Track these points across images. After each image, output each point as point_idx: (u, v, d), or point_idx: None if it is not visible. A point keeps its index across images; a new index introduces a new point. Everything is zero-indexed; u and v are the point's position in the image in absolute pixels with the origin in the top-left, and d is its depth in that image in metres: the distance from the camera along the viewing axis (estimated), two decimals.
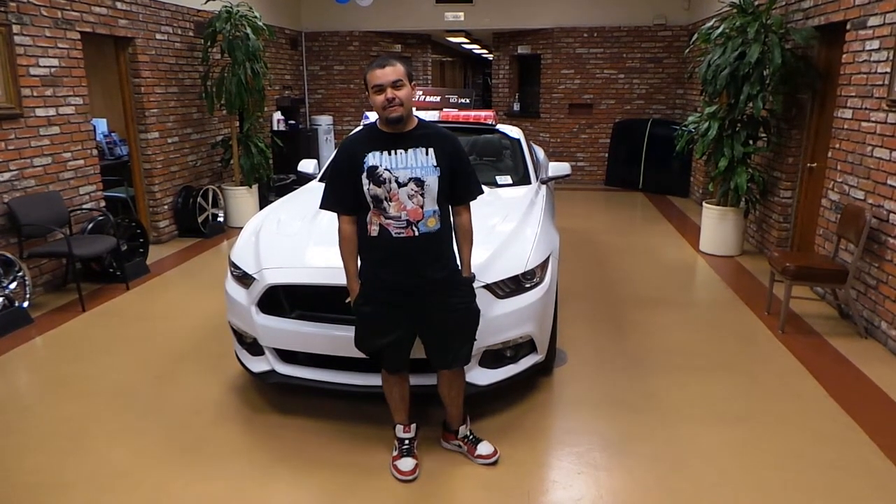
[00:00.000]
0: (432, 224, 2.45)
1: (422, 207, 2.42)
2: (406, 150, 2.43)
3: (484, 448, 2.76)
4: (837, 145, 4.58)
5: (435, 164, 2.44)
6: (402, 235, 2.43)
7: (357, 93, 10.52)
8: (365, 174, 2.41)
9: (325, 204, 2.54)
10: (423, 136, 2.48)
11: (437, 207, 2.46)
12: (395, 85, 2.36)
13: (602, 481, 2.65)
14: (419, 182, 2.41)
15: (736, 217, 5.91)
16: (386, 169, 2.41)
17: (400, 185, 2.40)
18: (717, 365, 3.73)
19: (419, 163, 2.42)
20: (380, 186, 2.41)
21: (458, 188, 2.55)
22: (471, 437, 2.81)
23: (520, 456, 2.81)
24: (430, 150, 2.45)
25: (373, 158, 2.42)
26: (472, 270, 2.68)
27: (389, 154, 2.42)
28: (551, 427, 3.07)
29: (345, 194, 2.48)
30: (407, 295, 2.50)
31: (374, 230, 2.45)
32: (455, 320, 2.58)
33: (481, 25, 10.07)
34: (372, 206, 2.44)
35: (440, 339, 2.60)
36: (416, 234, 2.43)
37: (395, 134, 2.45)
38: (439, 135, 2.52)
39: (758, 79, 5.23)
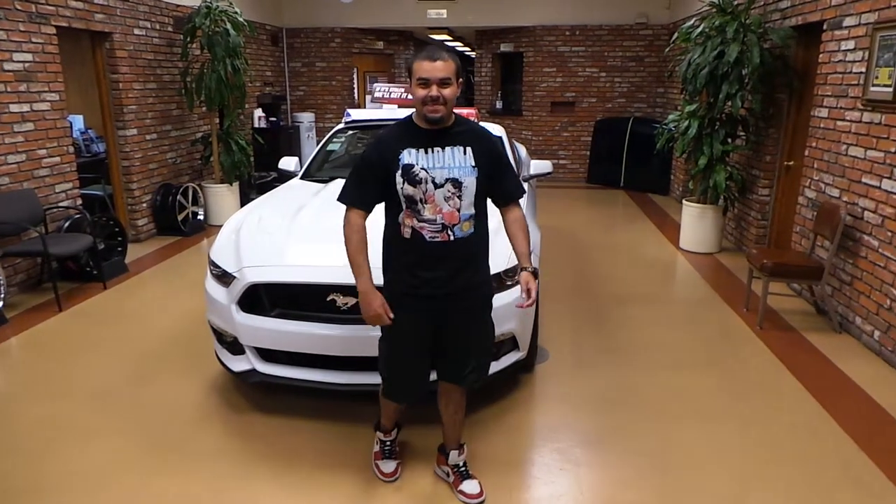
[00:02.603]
0: (467, 228, 2.29)
1: (458, 210, 2.25)
2: (444, 149, 2.25)
3: (469, 486, 2.52)
4: (814, 144, 4.65)
5: (473, 164, 2.27)
6: (436, 240, 2.25)
7: (339, 90, 10.46)
8: (400, 172, 2.23)
9: (346, 198, 2.31)
10: (460, 133, 2.30)
11: (473, 211, 2.29)
12: (443, 83, 2.18)
13: (583, 477, 2.67)
14: (457, 183, 2.24)
15: (715, 215, 5.97)
16: (423, 168, 2.22)
17: (437, 186, 2.22)
18: (697, 361, 3.77)
19: (457, 163, 2.25)
20: (415, 186, 2.22)
21: (502, 188, 2.39)
22: (462, 468, 2.58)
23: (501, 453, 2.82)
24: (469, 150, 2.27)
25: (408, 156, 2.23)
26: None
27: (426, 152, 2.24)
28: (533, 424, 3.09)
29: (368, 190, 2.29)
30: (434, 301, 2.32)
31: (406, 232, 2.27)
32: (477, 332, 2.45)
33: (464, 23, 10.06)
34: (405, 207, 2.26)
35: (459, 351, 2.43)
36: (452, 238, 2.26)
37: (432, 131, 2.27)
38: (478, 133, 2.35)
39: (737, 78, 5.30)
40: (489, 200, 2.42)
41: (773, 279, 4.22)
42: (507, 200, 2.43)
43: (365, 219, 2.32)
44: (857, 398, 3.33)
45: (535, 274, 2.42)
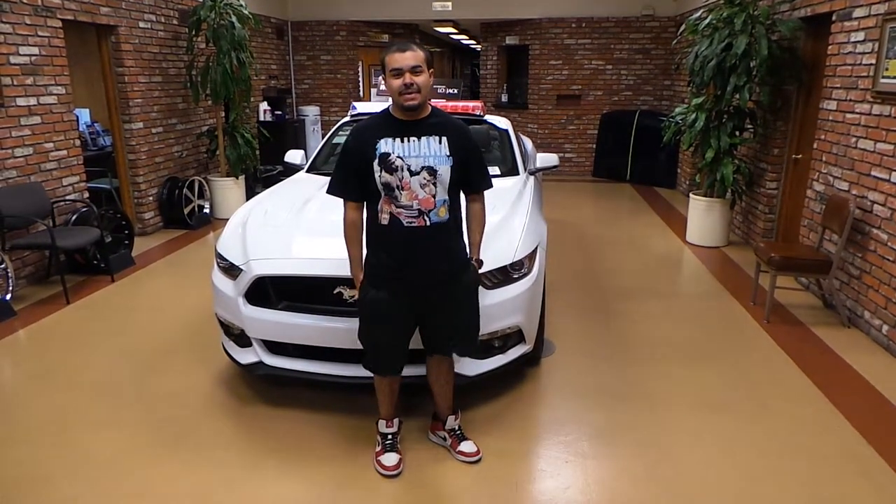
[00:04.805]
0: (443, 214, 2.42)
1: (434, 197, 2.39)
2: (419, 138, 2.39)
3: (467, 446, 2.73)
4: (822, 136, 4.62)
5: (448, 153, 2.40)
6: (413, 225, 2.39)
7: (344, 83, 10.45)
8: (377, 161, 2.37)
9: (333, 189, 2.50)
10: (436, 124, 2.44)
11: (447, 197, 2.43)
12: (415, 70, 2.31)
13: (589, 470, 2.67)
14: (432, 171, 2.37)
15: (722, 208, 5.94)
16: (398, 156, 2.36)
17: (412, 174, 2.36)
18: (704, 354, 3.76)
19: (432, 151, 2.38)
20: (392, 174, 2.36)
21: (471, 178, 2.53)
22: (458, 431, 2.78)
23: (508, 445, 2.83)
24: (444, 139, 2.41)
25: (385, 145, 2.37)
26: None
27: (402, 141, 2.38)
28: (539, 417, 3.09)
29: (353, 181, 2.44)
30: (412, 284, 2.47)
31: (384, 218, 2.41)
32: (459, 314, 2.58)
33: (469, 15, 10.02)
34: (383, 194, 2.39)
35: (442, 328, 2.58)
36: (428, 223, 2.40)
37: (408, 121, 2.41)
38: (453, 124, 2.48)
39: (744, 70, 5.26)
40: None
41: (781, 273, 4.20)
42: (473, 189, 2.58)
43: (358, 210, 2.49)
44: (865, 392, 3.32)
45: (479, 264, 2.65)
